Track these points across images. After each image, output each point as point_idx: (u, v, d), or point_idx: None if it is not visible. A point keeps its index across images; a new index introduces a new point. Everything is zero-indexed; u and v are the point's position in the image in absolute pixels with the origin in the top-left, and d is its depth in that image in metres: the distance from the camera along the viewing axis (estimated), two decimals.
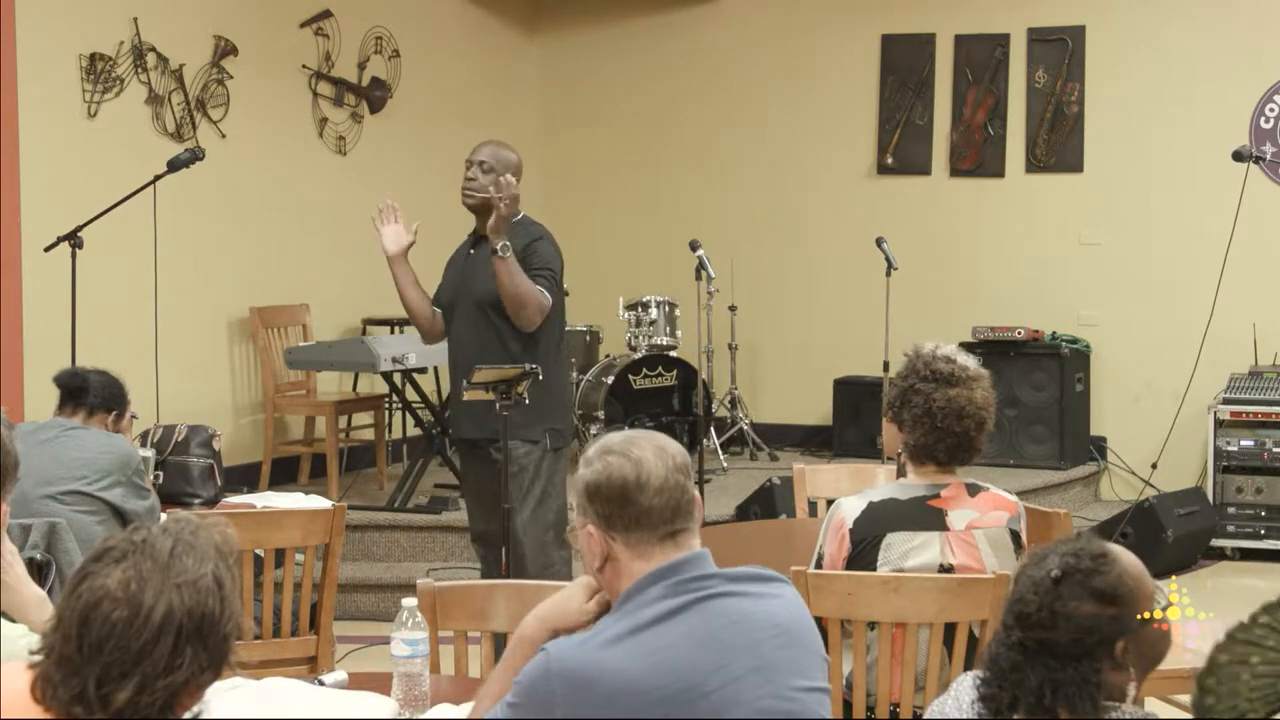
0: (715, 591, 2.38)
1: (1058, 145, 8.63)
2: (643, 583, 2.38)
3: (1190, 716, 4.29)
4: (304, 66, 8.21)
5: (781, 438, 9.00)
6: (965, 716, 2.28)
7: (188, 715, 1.89)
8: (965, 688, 2.34)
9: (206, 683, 1.89)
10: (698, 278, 7.12)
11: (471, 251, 5.13)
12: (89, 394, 4.59)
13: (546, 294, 4.97)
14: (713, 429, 8.42)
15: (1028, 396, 8.30)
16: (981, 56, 8.78)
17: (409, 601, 2.88)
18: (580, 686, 2.28)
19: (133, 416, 4.82)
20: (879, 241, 7.57)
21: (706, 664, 2.31)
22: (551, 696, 2.29)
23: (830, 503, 3.76)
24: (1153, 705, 3.83)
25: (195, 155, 6.30)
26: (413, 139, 8.80)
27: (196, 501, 5.42)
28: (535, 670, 2.33)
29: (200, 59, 7.58)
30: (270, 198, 7.95)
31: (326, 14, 8.32)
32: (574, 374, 8.35)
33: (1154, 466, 7.67)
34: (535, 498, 5.02)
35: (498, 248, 4.85)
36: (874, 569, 3.42)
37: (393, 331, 8.17)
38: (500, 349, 4.97)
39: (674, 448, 2.46)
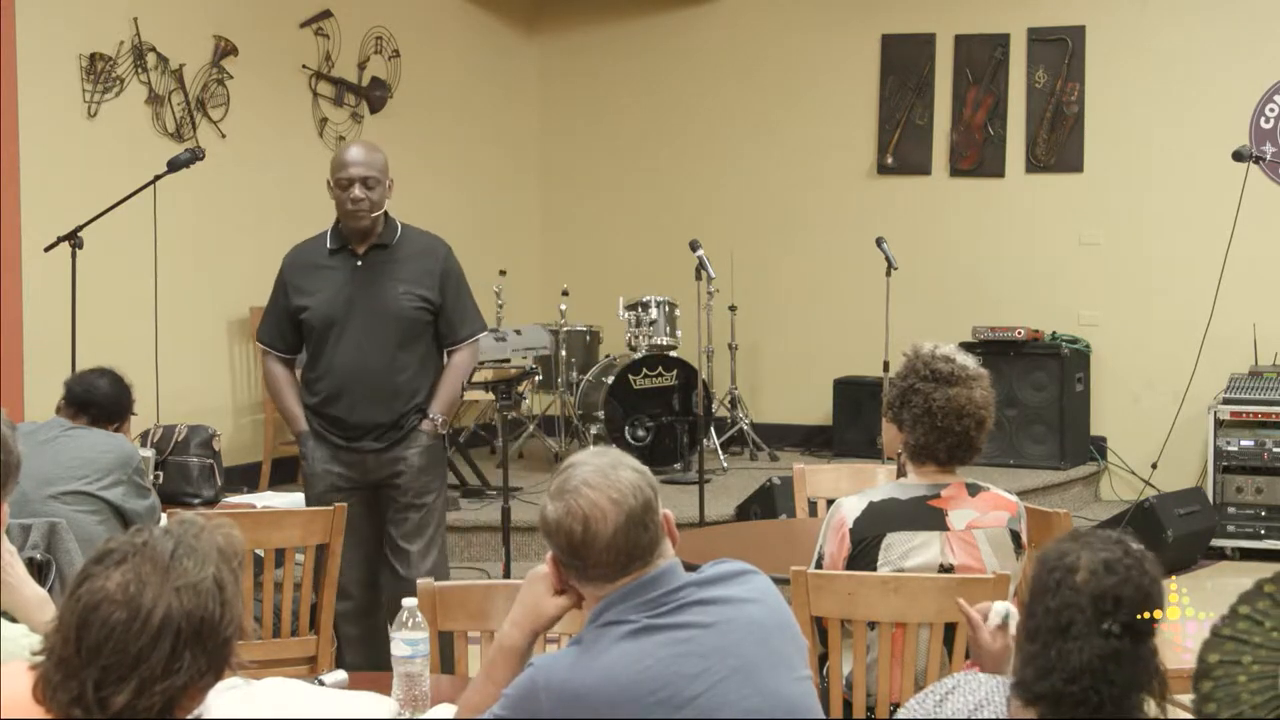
0: (689, 600, 2.39)
1: (1058, 145, 8.63)
2: (613, 599, 2.39)
3: (1191, 718, 4.30)
4: (304, 66, 8.21)
5: (782, 438, 8.99)
6: (989, 717, 2.22)
7: (187, 718, 1.89)
8: (980, 690, 2.27)
9: (206, 686, 1.88)
10: (698, 278, 7.11)
11: (359, 263, 4.78)
12: (92, 408, 4.62)
13: (474, 339, 4.90)
14: (713, 429, 8.41)
15: (1028, 396, 8.30)
16: (981, 56, 8.78)
17: (409, 601, 2.88)
18: (569, 701, 2.31)
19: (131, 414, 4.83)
20: (879, 241, 7.57)
21: (689, 670, 2.33)
22: (539, 711, 2.32)
23: (830, 503, 3.76)
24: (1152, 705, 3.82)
25: (195, 155, 6.29)
26: (413, 139, 8.78)
27: (196, 501, 5.40)
28: (523, 685, 2.36)
29: (200, 59, 7.58)
30: (270, 198, 7.95)
31: (326, 14, 8.32)
32: (574, 374, 8.36)
33: (1154, 466, 7.68)
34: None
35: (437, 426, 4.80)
36: (874, 569, 3.42)
37: None
38: (397, 363, 4.77)
39: (628, 486, 2.38)
